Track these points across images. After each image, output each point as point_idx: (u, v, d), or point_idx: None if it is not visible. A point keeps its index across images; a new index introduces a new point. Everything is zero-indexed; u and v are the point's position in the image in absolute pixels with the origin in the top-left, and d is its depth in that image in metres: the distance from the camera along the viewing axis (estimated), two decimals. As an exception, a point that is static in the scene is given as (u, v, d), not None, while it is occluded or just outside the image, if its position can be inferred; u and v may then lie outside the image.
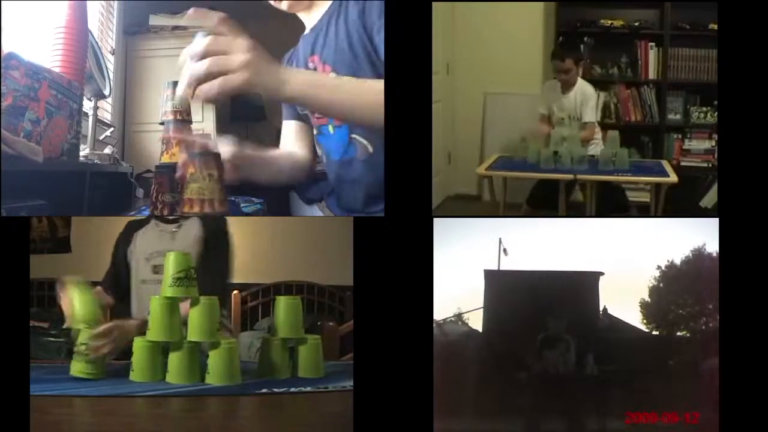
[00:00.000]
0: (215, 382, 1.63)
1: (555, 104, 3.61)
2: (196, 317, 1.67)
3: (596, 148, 3.55)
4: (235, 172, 1.72)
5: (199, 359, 1.68)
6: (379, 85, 1.48)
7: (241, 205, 2.36)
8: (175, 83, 1.62)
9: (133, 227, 2.10)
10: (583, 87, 3.61)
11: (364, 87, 1.48)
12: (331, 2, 1.74)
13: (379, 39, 1.59)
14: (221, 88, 1.20)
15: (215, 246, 2.04)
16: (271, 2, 1.80)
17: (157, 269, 1.97)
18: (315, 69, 1.74)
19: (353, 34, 1.63)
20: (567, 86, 3.59)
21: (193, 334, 1.66)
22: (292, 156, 2.01)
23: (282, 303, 1.81)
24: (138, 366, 1.65)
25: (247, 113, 5.03)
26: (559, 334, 2.07)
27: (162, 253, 1.89)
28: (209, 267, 1.97)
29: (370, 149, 1.75)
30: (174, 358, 1.64)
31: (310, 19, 1.81)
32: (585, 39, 4.21)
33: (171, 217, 1.97)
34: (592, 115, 3.60)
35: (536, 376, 2.03)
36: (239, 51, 1.21)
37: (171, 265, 1.69)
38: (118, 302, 2.14)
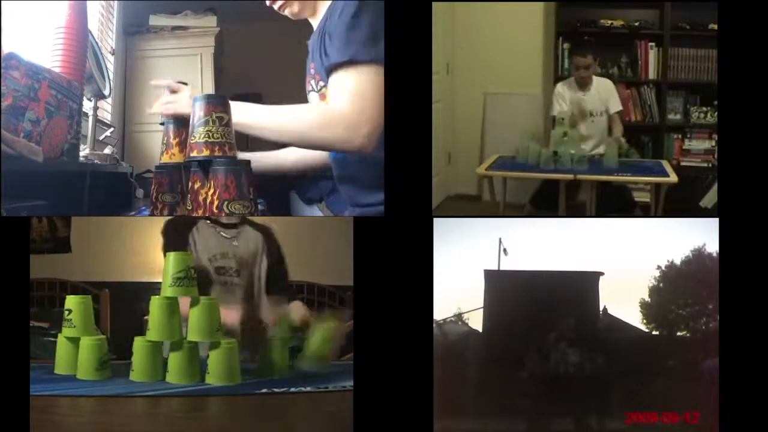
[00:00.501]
0: (215, 382, 1.63)
1: (574, 103, 3.62)
2: (195, 317, 1.67)
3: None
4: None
5: (200, 359, 1.68)
6: (304, 109, 1.63)
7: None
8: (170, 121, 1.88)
9: (182, 227, 2.05)
10: (601, 81, 3.66)
11: (289, 113, 1.62)
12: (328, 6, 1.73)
13: (329, 50, 1.60)
14: (174, 111, 1.81)
15: (277, 255, 2.16)
16: (275, 7, 1.80)
17: (220, 270, 2.04)
18: (314, 76, 1.75)
19: (326, 44, 1.65)
20: (585, 83, 3.61)
21: (193, 334, 1.66)
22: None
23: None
24: (138, 366, 1.65)
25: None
26: (570, 333, 2.07)
27: (226, 255, 2.03)
28: (276, 274, 2.12)
29: None
30: (174, 358, 1.64)
31: (316, 22, 1.80)
32: (585, 38, 4.22)
33: (226, 221, 2.06)
34: (619, 104, 3.67)
35: (540, 375, 2.04)
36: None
37: (171, 265, 1.69)
38: None
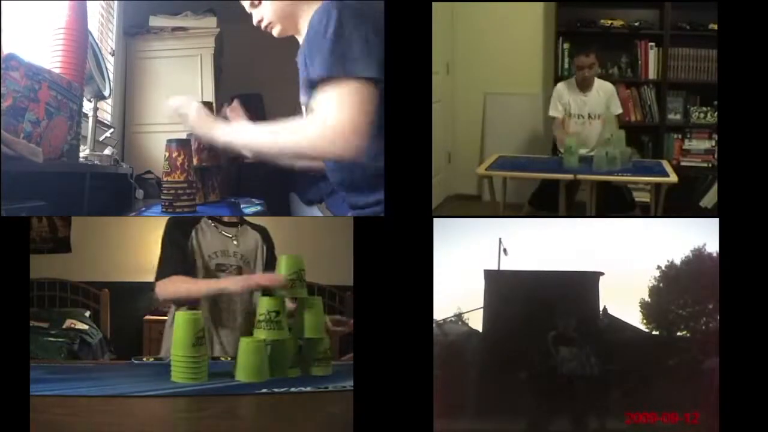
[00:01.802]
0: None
1: (573, 104, 3.61)
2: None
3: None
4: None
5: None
6: (305, 124, 1.66)
7: (242, 206, 2.36)
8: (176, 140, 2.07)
9: (184, 225, 2.10)
10: (602, 83, 3.63)
11: (290, 130, 1.66)
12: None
13: (310, 60, 1.63)
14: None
15: (272, 254, 2.21)
16: (262, 28, 1.81)
17: (221, 267, 2.09)
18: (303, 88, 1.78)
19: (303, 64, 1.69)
20: (587, 84, 3.58)
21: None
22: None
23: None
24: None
25: (248, 114, 5.02)
26: (570, 333, 2.07)
27: (226, 253, 2.10)
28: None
29: None
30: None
31: (301, 37, 1.82)
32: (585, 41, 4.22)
33: (227, 220, 2.15)
34: (619, 107, 3.67)
35: (540, 375, 2.04)
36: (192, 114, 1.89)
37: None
38: None
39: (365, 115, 1.57)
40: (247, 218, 2.23)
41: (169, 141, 2.06)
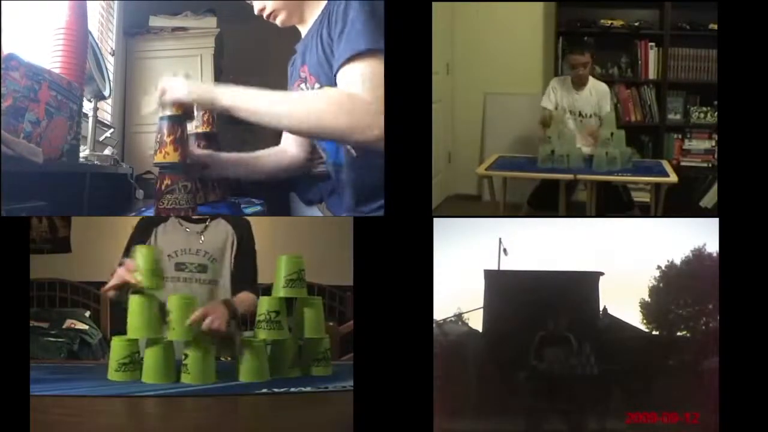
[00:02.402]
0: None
1: (565, 101, 3.61)
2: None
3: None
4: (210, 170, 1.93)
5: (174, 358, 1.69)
6: (319, 95, 1.62)
7: (242, 206, 2.36)
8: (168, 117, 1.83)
9: (149, 224, 2.05)
10: (596, 83, 3.63)
11: (302, 99, 1.63)
12: (319, 12, 1.73)
13: (337, 46, 1.59)
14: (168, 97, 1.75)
15: (246, 248, 2.09)
16: (264, 16, 1.80)
17: (180, 267, 2.00)
18: (306, 79, 1.76)
19: (326, 43, 1.64)
20: (581, 82, 3.59)
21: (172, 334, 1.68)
22: (279, 154, 2.08)
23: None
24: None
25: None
26: (559, 332, 2.07)
27: (189, 251, 2.00)
28: (243, 268, 2.05)
29: (354, 153, 1.76)
30: (150, 355, 1.66)
31: (305, 29, 1.81)
32: (585, 38, 4.21)
33: (195, 217, 2.00)
34: (609, 108, 3.66)
35: (536, 375, 2.04)
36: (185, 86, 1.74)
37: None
38: None
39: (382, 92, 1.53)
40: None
41: (161, 118, 1.81)
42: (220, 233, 2.06)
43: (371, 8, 1.57)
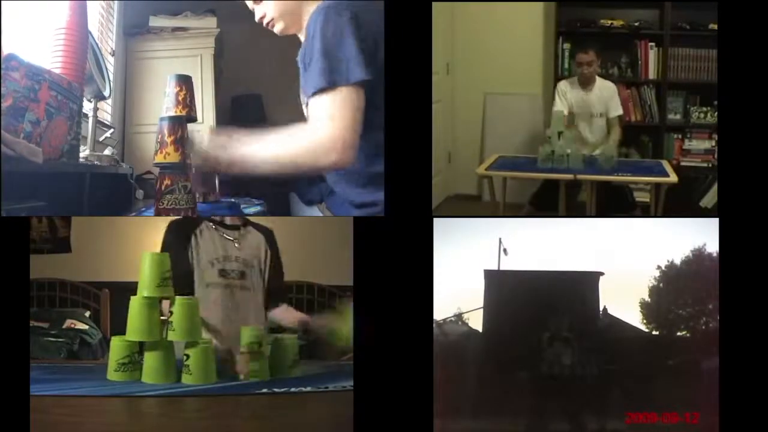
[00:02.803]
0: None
1: (575, 101, 3.61)
2: (176, 317, 1.67)
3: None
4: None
5: (175, 360, 1.68)
6: (300, 137, 1.64)
7: (242, 206, 2.36)
8: (178, 76, 1.88)
9: (183, 228, 2.06)
10: (603, 82, 3.65)
11: (286, 142, 1.66)
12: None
13: (306, 68, 1.64)
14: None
15: (278, 262, 2.19)
16: (264, 24, 1.81)
17: (223, 273, 2.06)
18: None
19: (303, 70, 1.70)
20: (587, 82, 3.61)
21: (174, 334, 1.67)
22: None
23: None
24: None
25: (247, 114, 5.02)
26: (562, 333, 2.07)
27: (229, 258, 2.07)
28: (276, 275, 2.16)
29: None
30: (149, 358, 1.66)
31: (303, 36, 1.82)
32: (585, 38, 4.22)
33: (230, 223, 2.10)
34: (620, 108, 3.67)
35: (538, 375, 2.04)
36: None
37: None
38: None
39: (357, 123, 1.60)
40: (250, 218, 2.18)
41: (162, 119, 1.84)
42: (252, 241, 2.15)
43: (343, 35, 1.60)
